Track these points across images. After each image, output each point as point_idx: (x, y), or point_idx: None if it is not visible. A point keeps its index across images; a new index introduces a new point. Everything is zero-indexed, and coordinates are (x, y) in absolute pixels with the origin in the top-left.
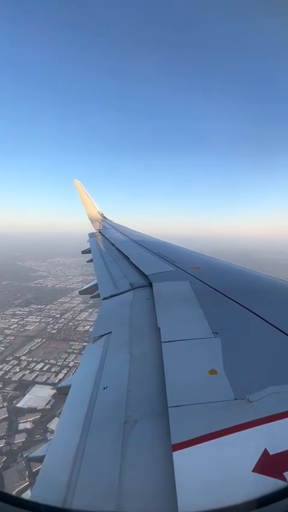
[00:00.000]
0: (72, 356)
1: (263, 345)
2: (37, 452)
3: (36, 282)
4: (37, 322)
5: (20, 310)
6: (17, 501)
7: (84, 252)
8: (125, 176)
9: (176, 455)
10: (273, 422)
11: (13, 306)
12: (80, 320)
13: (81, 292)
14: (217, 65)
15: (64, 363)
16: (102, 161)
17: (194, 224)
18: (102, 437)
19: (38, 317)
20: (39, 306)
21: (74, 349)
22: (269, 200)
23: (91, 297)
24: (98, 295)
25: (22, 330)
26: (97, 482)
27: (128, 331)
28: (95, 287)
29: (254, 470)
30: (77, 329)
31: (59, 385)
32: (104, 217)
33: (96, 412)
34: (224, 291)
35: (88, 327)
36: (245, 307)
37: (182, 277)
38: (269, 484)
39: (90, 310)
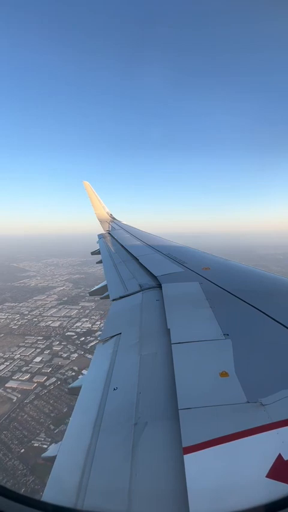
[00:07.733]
0: (22, 349)
1: (276, 347)
2: (48, 452)
3: (21, 281)
4: (3, 318)
5: None
6: (27, 500)
7: (93, 253)
8: (124, 173)
9: (187, 458)
10: (287, 427)
11: None
12: (46, 316)
13: (91, 293)
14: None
15: (11, 355)
16: (102, 160)
17: (190, 221)
18: (113, 438)
19: (6, 314)
20: (12, 304)
21: (26, 343)
22: (264, 195)
23: (101, 298)
24: (107, 296)
25: None
26: (107, 484)
27: (138, 332)
28: (104, 288)
29: (268, 476)
30: (39, 324)
31: (70, 385)
32: (113, 218)
33: (106, 413)
34: (234, 292)
35: (51, 322)
36: (256, 308)
37: (192, 278)
38: (283, 490)
39: (60, 307)
